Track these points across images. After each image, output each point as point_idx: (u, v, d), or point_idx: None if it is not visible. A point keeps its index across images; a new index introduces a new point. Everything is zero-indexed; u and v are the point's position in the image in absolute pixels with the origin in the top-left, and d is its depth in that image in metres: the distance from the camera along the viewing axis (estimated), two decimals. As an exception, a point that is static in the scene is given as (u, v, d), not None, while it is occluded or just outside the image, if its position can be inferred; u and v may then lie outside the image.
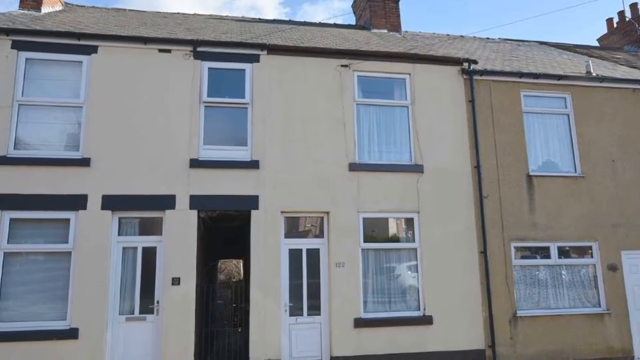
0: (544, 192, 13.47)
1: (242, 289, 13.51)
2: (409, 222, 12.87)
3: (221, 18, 18.36)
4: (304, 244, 12.47)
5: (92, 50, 12.13)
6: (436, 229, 12.73)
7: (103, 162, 11.57)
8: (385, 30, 18.76)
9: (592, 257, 13.61)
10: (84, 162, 11.49)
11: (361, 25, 19.81)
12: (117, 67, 12.13)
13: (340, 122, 12.81)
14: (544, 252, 13.41)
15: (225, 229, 15.19)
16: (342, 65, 13.10)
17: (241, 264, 26.09)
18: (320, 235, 12.53)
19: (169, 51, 12.42)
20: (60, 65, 12.10)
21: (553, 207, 13.44)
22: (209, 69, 12.53)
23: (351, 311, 11.99)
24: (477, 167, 13.19)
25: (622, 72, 15.86)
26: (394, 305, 12.45)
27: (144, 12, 17.89)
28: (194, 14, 18.36)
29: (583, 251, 13.68)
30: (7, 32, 11.81)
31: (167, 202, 11.66)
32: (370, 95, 13.31)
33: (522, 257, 13.32)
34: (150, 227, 11.90)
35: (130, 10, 17.87)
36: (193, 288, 11.43)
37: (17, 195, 11.13)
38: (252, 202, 12.02)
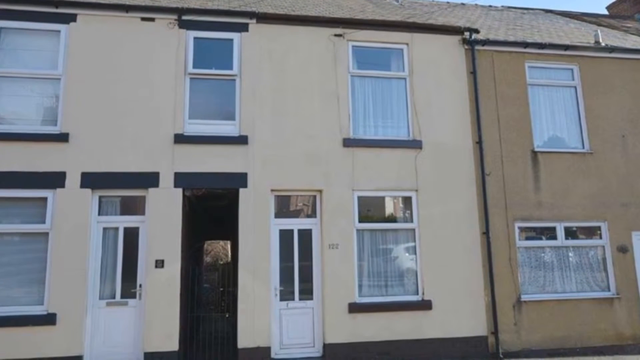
0: (550, 169, 13.01)
1: (229, 272, 13.29)
2: (407, 201, 12.41)
3: (208, -16, 17.77)
4: (296, 224, 12.02)
5: (70, 18, 11.65)
6: (435, 208, 12.28)
7: (82, 137, 11.14)
8: (382, -3, 18.32)
9: (600, 238, 13.14)
10: (62, 138, 11.06)
11: (356, -9, 19.17)
12: (97, 37, 11.65)
13: (333, 95, 12.34)
14: (550, 233, 12.94)
15: (212, 209, 14.79)
16: (335, 35, 12.60)
17: (229, 246, 25.93)
18: (313, 215, 12.09)
19: (152, 20, 11.93)
20: (37, 35, 11.60)
21: (559, 185, 12.98)
22: (195, 38, 12.05)
23: (345, 295, 11.58)
24: (479, 142, 12.70)
25: (632, 42, 15.31)
26: (390, 289, 12.02)
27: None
28: (180, -20, 17.76)
29: (591, 232, 13.22)
30: (-21, -1, 11.30)
31: (150, 179, 11.25)
32: (366, 67, 12.84)
33: (527, 238, 12.87)
34: (133, 207, 11.51)
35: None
36: (178, 271, 11.05)
37: (-9, 172, 10.66)
38: (240, 179, 11.60)
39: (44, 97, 11.45)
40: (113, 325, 10.85)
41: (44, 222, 10.79)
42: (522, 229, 12.78)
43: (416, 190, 12.26)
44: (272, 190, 11.73)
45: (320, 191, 11.94)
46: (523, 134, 13.05)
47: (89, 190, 10.96)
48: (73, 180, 10.92)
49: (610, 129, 13.55)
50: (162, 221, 11.10)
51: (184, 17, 11.95)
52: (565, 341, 12.26)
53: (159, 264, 10.93)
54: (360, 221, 12.02)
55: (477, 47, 13.19)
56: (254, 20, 12.28)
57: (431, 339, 11.68)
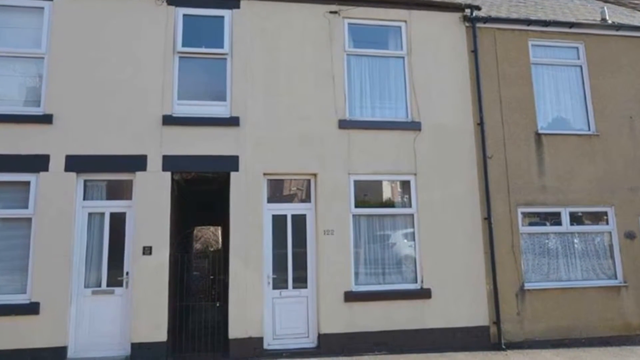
0: (555, 152, 12.65)
1: (220, 259, 12.95)
2: (405, 185, 12.07)
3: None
4: (289, 209, 11.68)
5: (54, -6, 11.31)
6: (435, 192, 11.94)
7: (67, 119, 10.82)
8: (379, -28, 17.93)
9: (607, 223, 12.79)
10: (46, 119, 10.73)
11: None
12: (82, 14, 11.30)
13: (329, 75, 11.99)
14: (555, 219, 12.61)
15: (201, 193, 14.46)
16: (331, 12, 12.22)
17: (219, 232, 25.73)
18: (307, 199, 11.77)
19: (140, -4, 11.57)
20: (20, 12, 11.24)
21: (564, 168, 12.63)
22: (184, 15, 11.68)
23: (341, 284, 11.27)
24: (481, 124, 12.34)
25: (640, 19, 14.93)
26: (388, 277, 11.70)
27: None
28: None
29: (597, 217, 12.86)
30: (-43, -26, 10.99)
31: (137, 163, 10.94)
32: (362, 45, 12.46)
33: (530, 224, 12.55)
34: (119, 191, 11.19)
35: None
36: (166, 258, 10.75)
37: (-29, 155, 10.39)
38: (231, 163, 11.27)
39: (26, 76, 11.14)
40: (99, 315, 10.55)
41: (26, 207, 10.48)
42: (525, 215, 12.47)
43: (415, 174, 11.93)
44: (264, 174, 11.40)
45: (314, 175, 11.62)
46: (526, 115, 12.70)
47: (73, 174, 10.65)
48: (57, 163, 10.61)
49: (617, 110, 13.19)
50: (150, 206, 10.79)
51: (173, -7, 11.62)
52: (570, 331, 11.96)
53: (147, 250, 10.64)
54: (356, 206, 11.71)
55: (479, 25, 12.80)
56: (246, -4, 11.95)
57: (430, 329, 11.38)
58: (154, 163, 10.93)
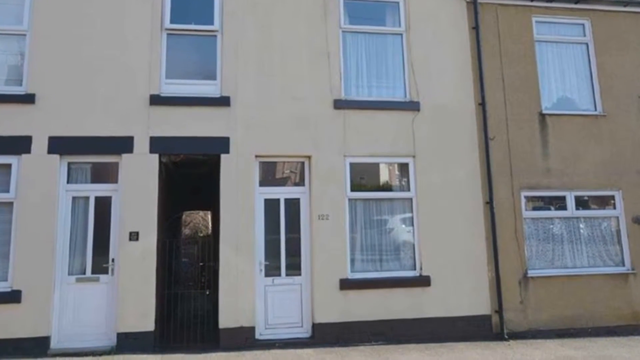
0: (559, 133, 12.32)
1: (210, 245, 12.64)
2: (404, 168, 11.77)
3: None
4: (282, 193, 11.39)
5: (36, -32, 10.98)
6: (435, 175, 11.62)
7: (50, 98, 10.52)
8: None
9: (614, 208, 12.47)
10: (28, 99, 10.44)
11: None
12: None
13: (323, 53, 11.65)
14: (559, 203, 12.31)
15: (191, 176, 14.20)
16: (325, -13, 11.97)
17: (209, 217, 25.53)
18: (301, 183, 11.46)
19: (125, -30, 11.26)
20: None
21: (570, 150, 12.30)
22: (173, -10, 11.40)
23: (336, 271, 10.97)
24: (482, 104, 12.00)
25: (649, -5, 14.58)
26: (385, 264, 11.40)
27: None
28: None
29: (604, 201, 12.56)
30: None
31: (123, 144, 10.64)
32: (359, 21, 12.11)
33: (534, 209, 12.23)
34: (105, 174, 10.89)
35: None
36: (154, 244, 10.49)
37: (-51, 137, 10.14)
38: (222, 144, 10.96)
39: (7, 54, 10.81)
40: (83, 303, 10.29)
41: (8, 191, 10.21)
42: (528, 199, 12.16)
43: (413, 156, 11.62)
44: (256, 156, 11.09)
45: (309, 157, 11.31)
46: (530, 94, 12.37)
47: (57, 156, 10.37)
48: (40, 145, 10.32)
49: (624, 89, 12.83)
50: (137, 190, 10.50)
51: (161, -33, 11.29)
52: (575, 320, 11.66)
53: (133, 236, 10.38)
54: (352, 190, 11.39)
55: (480, 0, 12.43)
56: (237, -30, 11.63)
57: (430, 318, 11.10)
58: (141, 145, 10.65)
